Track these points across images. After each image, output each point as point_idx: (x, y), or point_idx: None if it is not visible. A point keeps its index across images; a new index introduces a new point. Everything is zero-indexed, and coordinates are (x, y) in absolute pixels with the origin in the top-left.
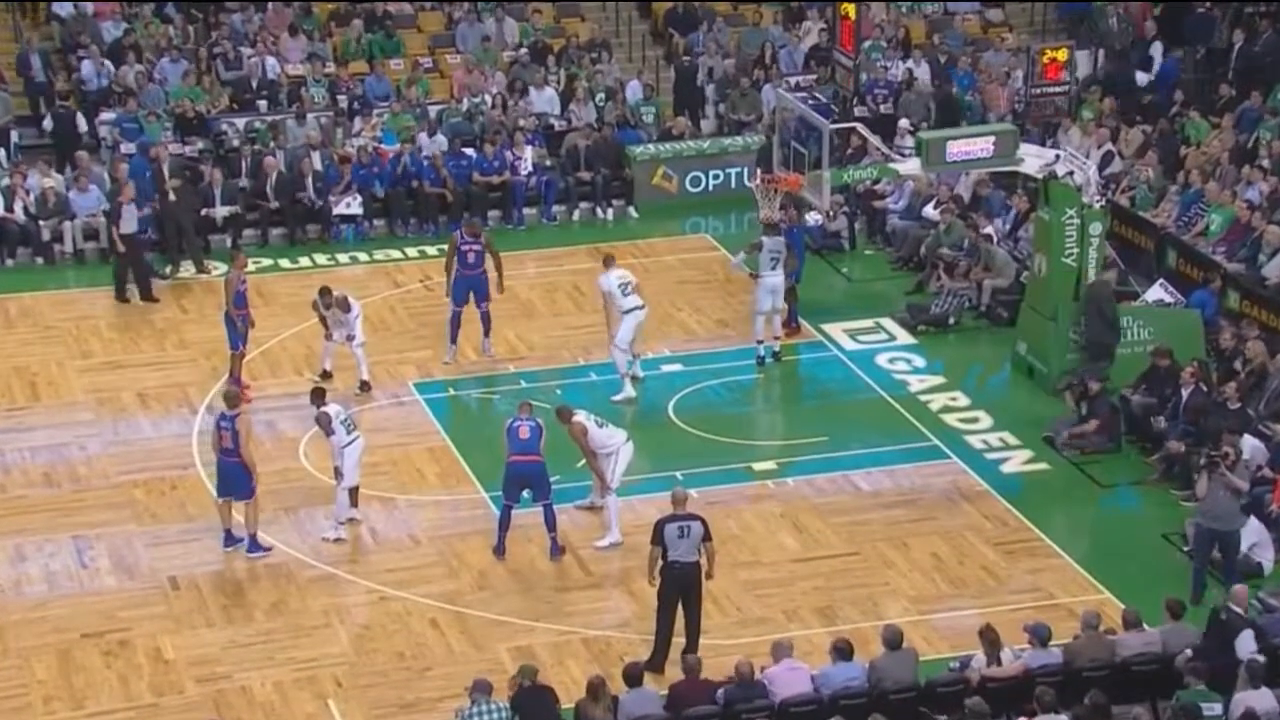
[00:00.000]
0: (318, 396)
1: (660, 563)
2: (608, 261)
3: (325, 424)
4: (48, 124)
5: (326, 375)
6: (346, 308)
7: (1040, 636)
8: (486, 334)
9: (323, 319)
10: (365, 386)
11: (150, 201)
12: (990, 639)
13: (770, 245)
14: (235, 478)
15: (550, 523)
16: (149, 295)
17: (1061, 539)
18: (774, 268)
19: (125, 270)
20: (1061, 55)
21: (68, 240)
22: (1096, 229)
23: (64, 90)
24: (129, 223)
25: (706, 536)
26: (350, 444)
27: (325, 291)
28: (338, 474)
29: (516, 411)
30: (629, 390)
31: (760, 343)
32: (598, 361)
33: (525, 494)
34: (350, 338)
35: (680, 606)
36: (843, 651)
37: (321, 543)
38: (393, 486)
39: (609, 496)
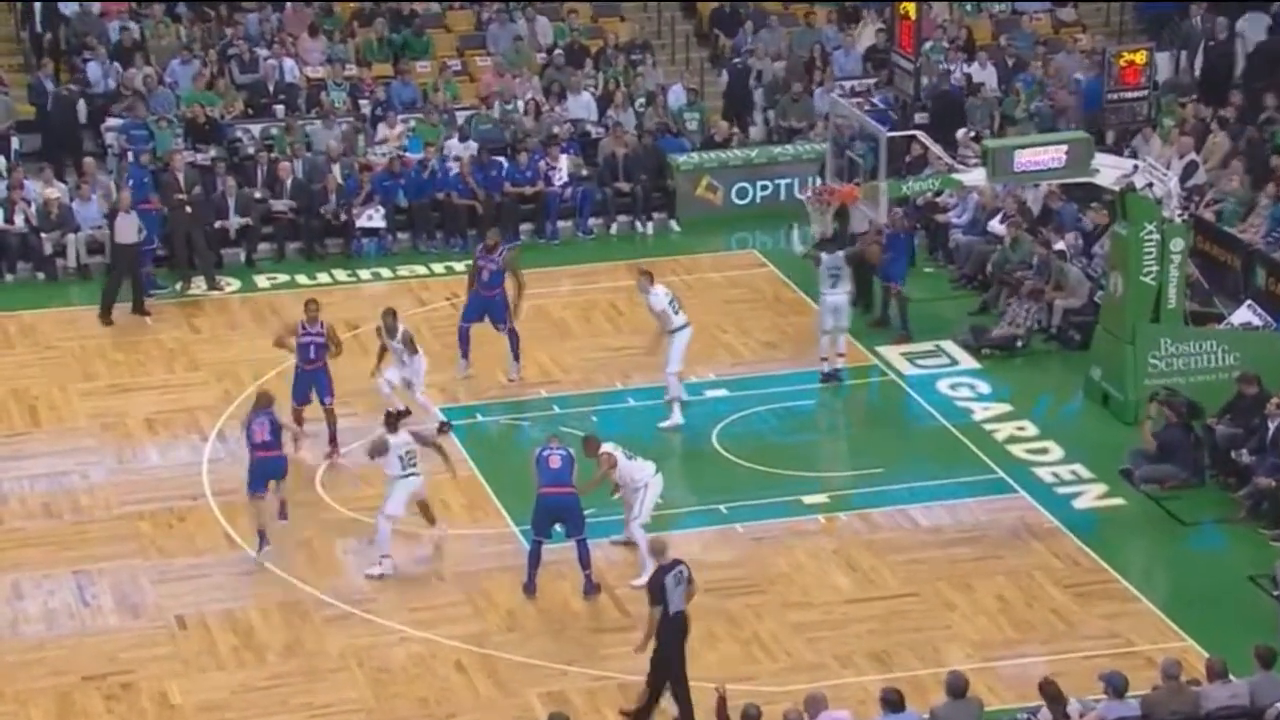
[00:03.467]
0: (391, 421)
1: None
2: (649, 277)
3: (380, 450)
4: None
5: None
6: (413, 349)
7: (1116, 687)
8: (516, 358)
9: (382, 351)
10: (445, 427)
11: (141, 209)
12: (1051, 694)
13: (828, 263)
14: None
15: (584, 559)
16: (141, 308)
17: (1139, 581)
18: (833, 285)
19: (116, 287)
20: (1140, 58)
21: (71, 254)
22: (1178, 245)
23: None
24: (125, 233)
25: (691, 579)
26: (405, 478)
27: (390, 314)
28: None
29: (546, 439)
30: (677, 417)
31: (825, 360)
32: (636, 386)
33: (557, 528)
34: (409, 384)
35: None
36: (892, 702)
37: (338, 580)
38: (416, 520)
39: (636, 532)
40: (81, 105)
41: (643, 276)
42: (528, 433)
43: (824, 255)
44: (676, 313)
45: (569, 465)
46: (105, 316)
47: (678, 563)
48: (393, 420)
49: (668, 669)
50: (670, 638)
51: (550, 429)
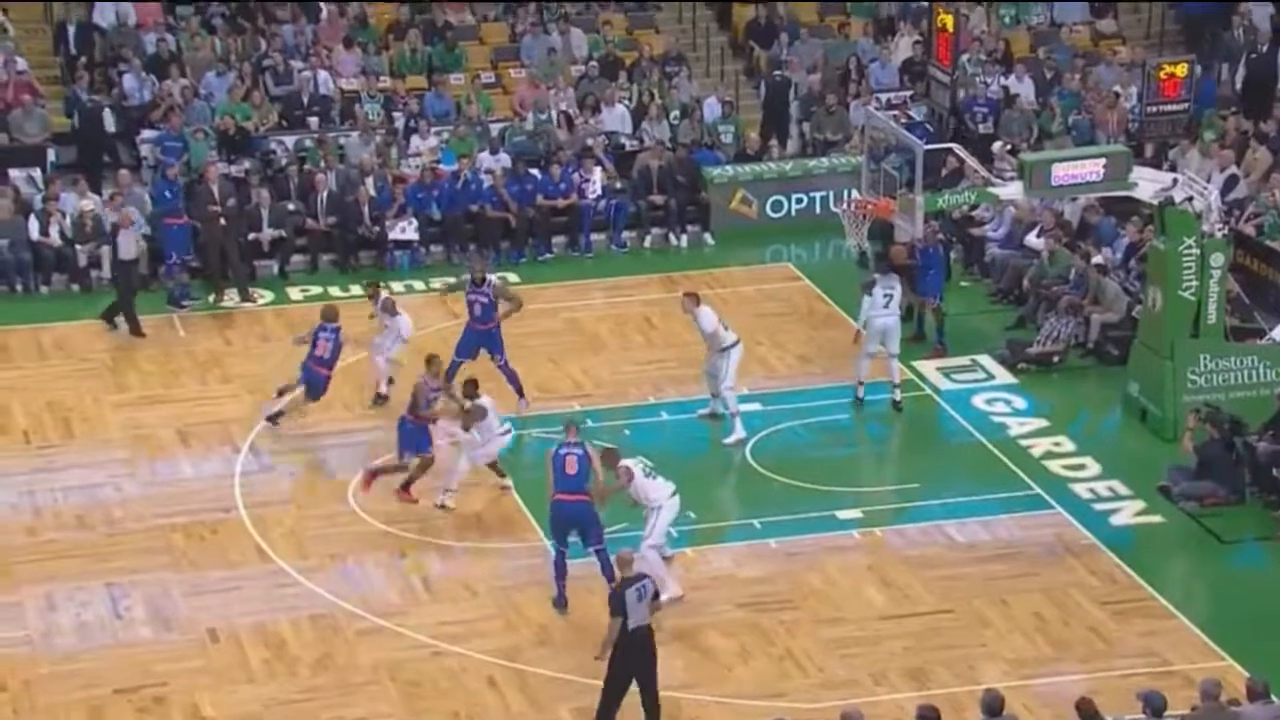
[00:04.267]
0: (471, 389)
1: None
2: (694, 299)
3: (479, 416)
4: (75, 121)
5: (381, 398)
6: (394, 311)
7: (1154, 706)
8: (520, 394)
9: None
10: (381, 399)
11: (170, 222)
12: (1088, 713)
13: (884, 284)
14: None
15: (606, 571)
16: (113, 321)
17: (1178, 599)
18: (886, 306)
19: (131, 301)
20: (1181, 70)
21: (105, 266)
22: (1218, 260)
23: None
24: (126, 249)
25: (655, 595)
26: (502, 435)
27: (373, 285)
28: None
29: (565, 433)
30: (740, 431)
31: (861, 384)
32: (669, 399)
33: (573, 538)
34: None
35: (636, 679)
36: None
37: (370, 593)
38: (449, 533)
39: (648, 554)
40: (108, 115)
41: (687, 298)
42: None
43: (878, 276)
44: (726, 329)
45: (585, 469)
46: (137, 330)
47: (642, 577)
48: (472, 387)
49: (615, 683)
50: (625, 652)
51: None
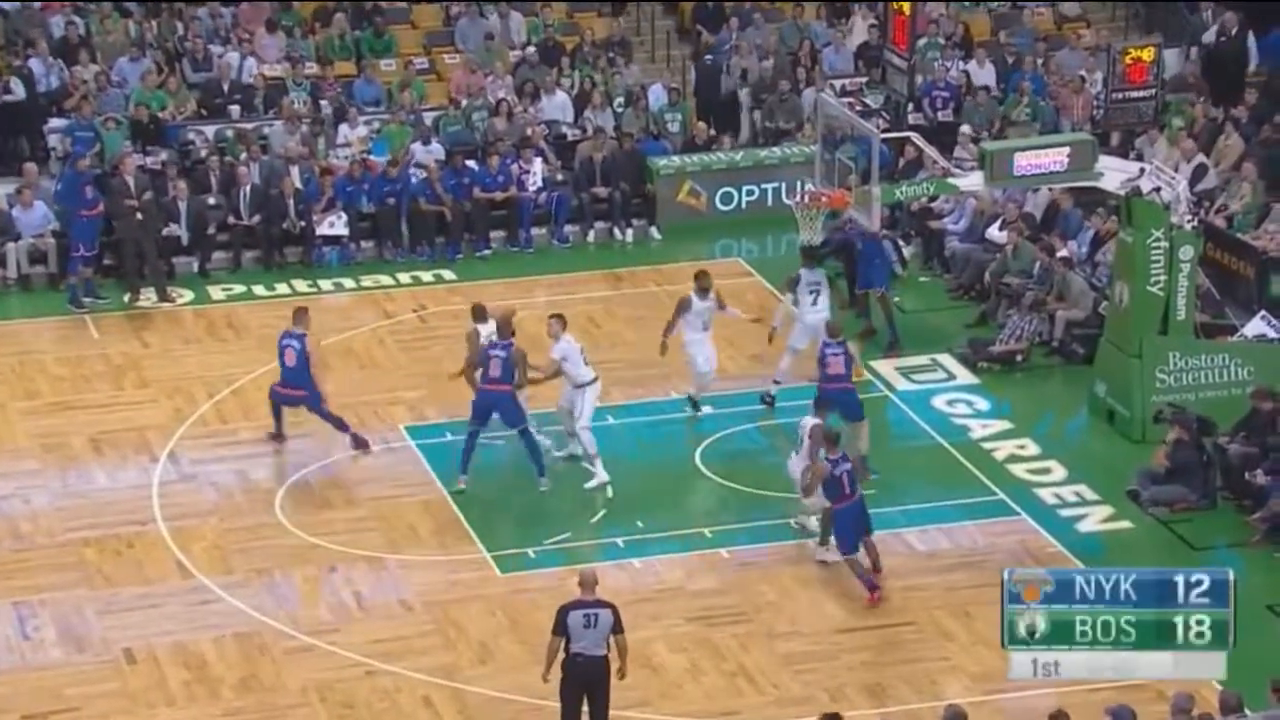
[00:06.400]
0: (558, 324)
1: (561, 655)
2: (560, 322)
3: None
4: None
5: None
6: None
7: None
8: (541, 473)
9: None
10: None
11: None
12: None
13: (808, 278)
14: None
15: (533, 453)
16: None
17: None
18: (814, 303)
19: None
20: (1147, 55)
21: (11, 264)
22: (1187, 253)
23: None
24: None
25: (617, 628)
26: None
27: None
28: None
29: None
30: (601, 474)
31: (777, 383)
32: (615, 403)
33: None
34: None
35: (586, 705)
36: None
37: (299, 610)
38: (382, 544)
39: (584, 436)
40: (15, 83)
41: (553, 321)
42: (501, 452)
43: (803, 271)
44: (585, 365)
45: (509, 369)
46: None
47: (601, 604)
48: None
49: (565, 710)
50: (569, 678)
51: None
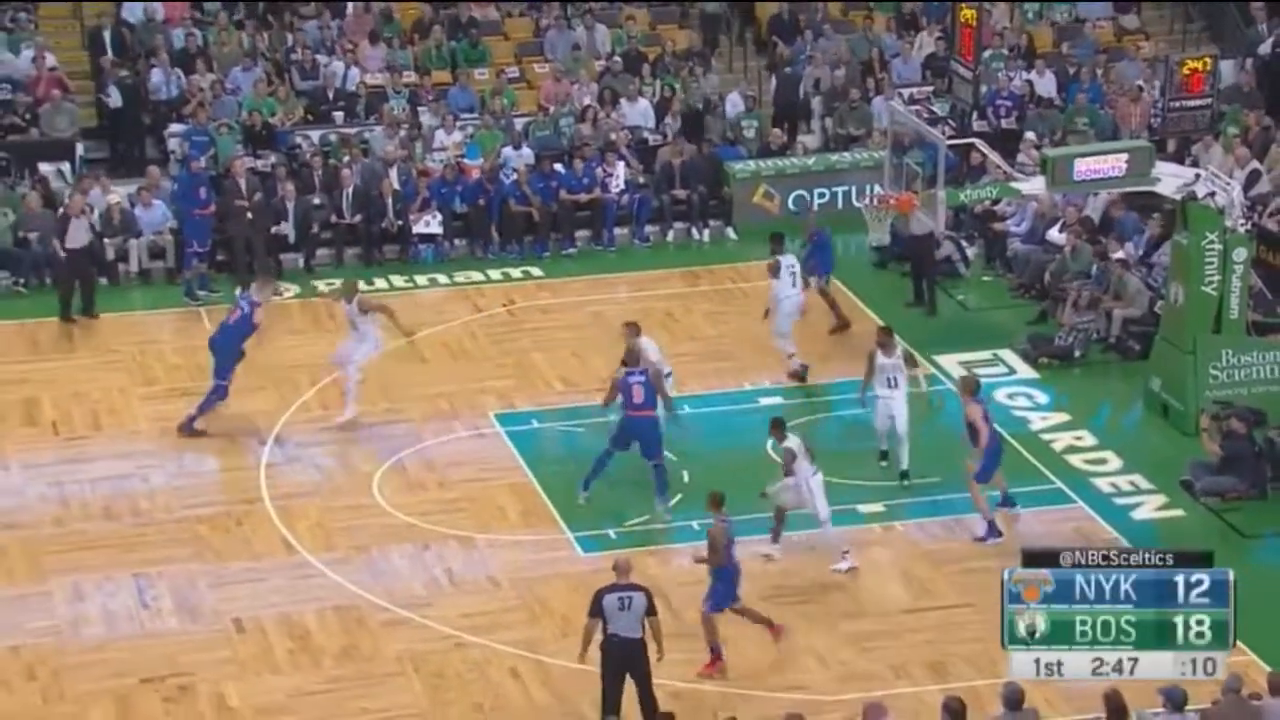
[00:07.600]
0: (778, 429)
1: (600, 637)
2: (635, 329)
3: (788, 461)
4: (114, 99)
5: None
6: (365, 309)
7: (1175, 701)
8: (661, 493)
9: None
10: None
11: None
12: (1115, 705)
13: (786, 263)
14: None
15: (660, 486)
16: (92, 311)
17: None
18: (794, 285)
19: (69, 289)
20: (1204, 65)
21: (133, 259)
22: (1240, 255)
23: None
24: (75, 238)
25: (650, 610)
26: (814, 475)
27: (352, 284)
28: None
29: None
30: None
31: (792, 355)
32: (691, 393)
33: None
34: (345, 363)
35: (632, 682)
36: (955, 711)
37: (395, 585)
38: (472, 525)
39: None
40: (113, 91)
41: (628, 327)
42: (583, 440)
43: (781, 258)
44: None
45: (650, 395)
46: (65, 314)
47: (635, 588)
48: (781, 426)
49: (605, 689)
50: (607, 658)
51: (604, 436)
